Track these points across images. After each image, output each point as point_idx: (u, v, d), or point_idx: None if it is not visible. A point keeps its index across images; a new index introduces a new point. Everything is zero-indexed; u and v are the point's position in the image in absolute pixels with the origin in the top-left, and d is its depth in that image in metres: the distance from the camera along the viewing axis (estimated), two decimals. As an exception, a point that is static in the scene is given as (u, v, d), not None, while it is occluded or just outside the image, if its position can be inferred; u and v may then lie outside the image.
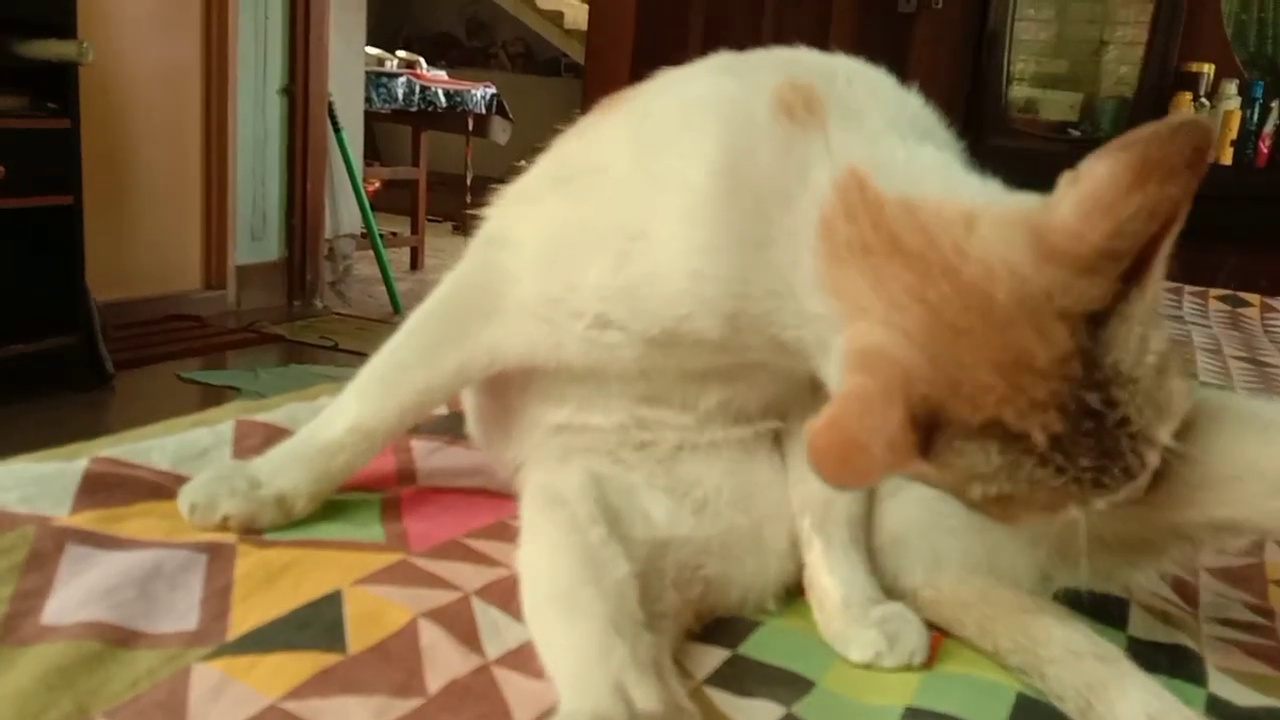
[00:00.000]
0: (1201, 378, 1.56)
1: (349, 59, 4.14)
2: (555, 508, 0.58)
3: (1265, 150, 2.89)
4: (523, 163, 0.70)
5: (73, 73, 2.51)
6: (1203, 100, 2.91)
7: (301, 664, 0.50)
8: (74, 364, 2.60)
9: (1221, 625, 0.74)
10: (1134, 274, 0.47)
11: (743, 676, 0.57)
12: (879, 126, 0.56)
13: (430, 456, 0.79)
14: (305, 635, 0.52)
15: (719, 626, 0.62)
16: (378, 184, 4.67)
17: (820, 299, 0.52)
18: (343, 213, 4.19)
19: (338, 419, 0.66)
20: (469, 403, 0.75)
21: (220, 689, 0.48)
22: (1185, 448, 0.55)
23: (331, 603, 0.56)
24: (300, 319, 3.62)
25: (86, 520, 0.62)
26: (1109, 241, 0.46)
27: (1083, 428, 0.48)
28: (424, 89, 4.87)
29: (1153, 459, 0.50)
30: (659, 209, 0.57)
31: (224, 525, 0.62)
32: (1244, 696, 0.64)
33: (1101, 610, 0.71)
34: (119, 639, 0.51)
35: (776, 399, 0.66)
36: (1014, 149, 2.99)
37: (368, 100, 4.45)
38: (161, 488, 0.66)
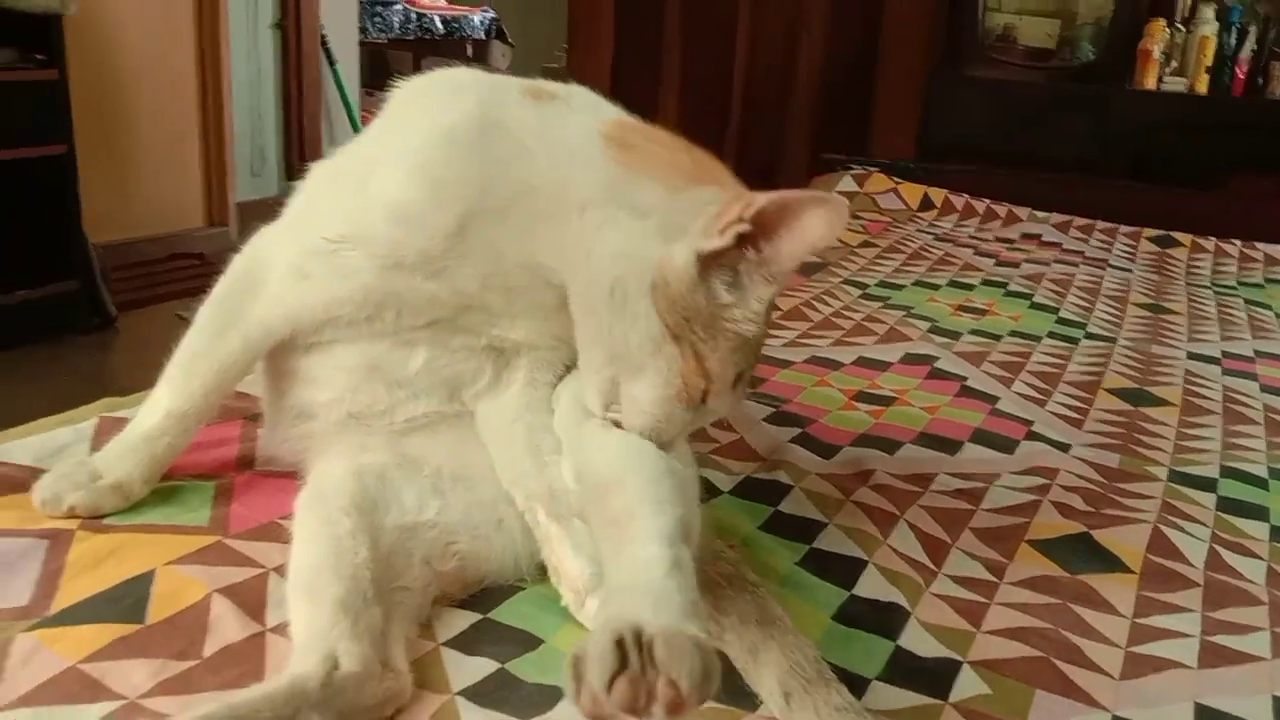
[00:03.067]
0: (1091, 328, 1.63)
1: (341, -10, 4.17)
2: (316, 504, 0.71)
3: (1241, 76, 2.85)
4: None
5: (58, 23, 2.60)
6: (1177, 25, 2.87)
7: (104, 634, 0.63)
8: (76, 308, 2.73)
9: (953, 583, 0.84)
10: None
11: (481, 638, 0.69)
12: (608, 108, 0.75)
13: (272, 443, 0.91)
14: (113, 610, 0.65)
15: (483, 594, 0.74)
16: (379, 114, 4.72)
17: (611, 169, 0.69)
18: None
19: (156, 408, 0.78)
20: None
21: (31, 654, 0.61)
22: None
23: (143, 581, 0.69)
24: (303, 253, 3.75)
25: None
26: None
27: None
28: (420, 16, 4.89)
29: None
30: (401, 140, 0.71)
31: (72, 514, 0.75)
32: (929, 648, 0.75)
33: (833, 570, 0.83)
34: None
35: (468, 372, 0.76)
36: (990, 80, 2.98)
37: (364, 30, 4.49)
38: (21, 482, 0.78)
